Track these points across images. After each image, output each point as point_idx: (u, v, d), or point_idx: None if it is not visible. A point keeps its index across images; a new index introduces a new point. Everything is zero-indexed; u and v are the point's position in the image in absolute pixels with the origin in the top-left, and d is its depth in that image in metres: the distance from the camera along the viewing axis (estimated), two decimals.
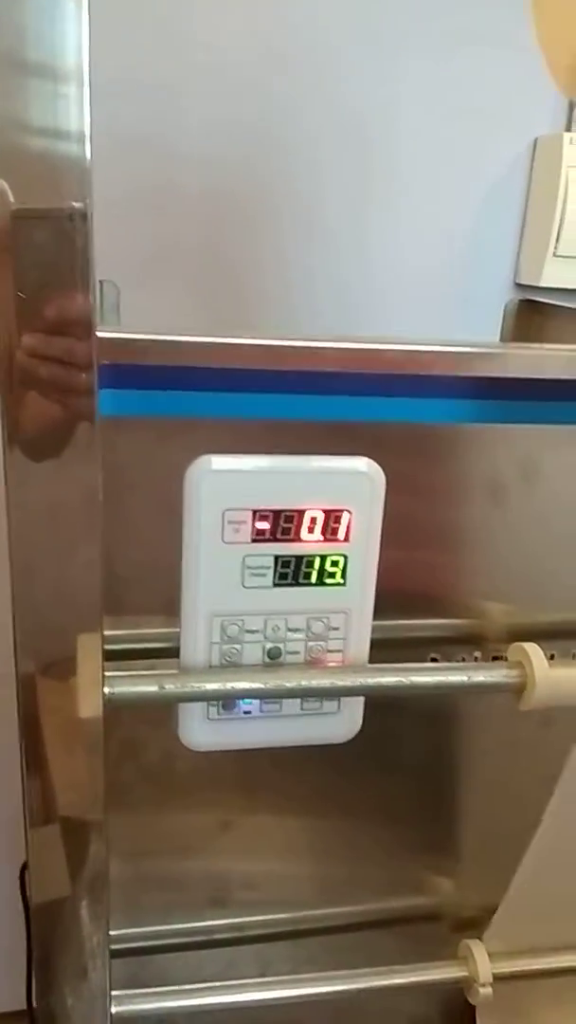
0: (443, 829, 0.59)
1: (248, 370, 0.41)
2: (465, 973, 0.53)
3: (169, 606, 0.46)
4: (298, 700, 0.47)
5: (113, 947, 0.55)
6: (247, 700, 0.46)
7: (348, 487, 0.45)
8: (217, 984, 0.51)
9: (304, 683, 0.45)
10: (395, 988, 0.52)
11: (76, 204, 0.33)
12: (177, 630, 0.45)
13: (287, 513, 0.44)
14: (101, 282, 0.71)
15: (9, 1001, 0.93)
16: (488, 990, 0.52)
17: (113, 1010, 0.48)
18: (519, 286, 0.87)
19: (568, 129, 0.84)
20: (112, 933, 0.55)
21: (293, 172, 0.79)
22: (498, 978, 0.53)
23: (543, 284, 0.83)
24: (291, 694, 0.45)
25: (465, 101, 0.81)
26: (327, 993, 0.52)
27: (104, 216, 0.69)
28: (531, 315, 0.82)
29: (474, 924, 0.59)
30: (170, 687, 0.43)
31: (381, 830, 0.58)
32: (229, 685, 0.44)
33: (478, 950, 0.53)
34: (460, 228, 0.85)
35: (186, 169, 0.76)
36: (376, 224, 0.82)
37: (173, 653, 0.46)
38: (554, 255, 0.83)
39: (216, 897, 0.56)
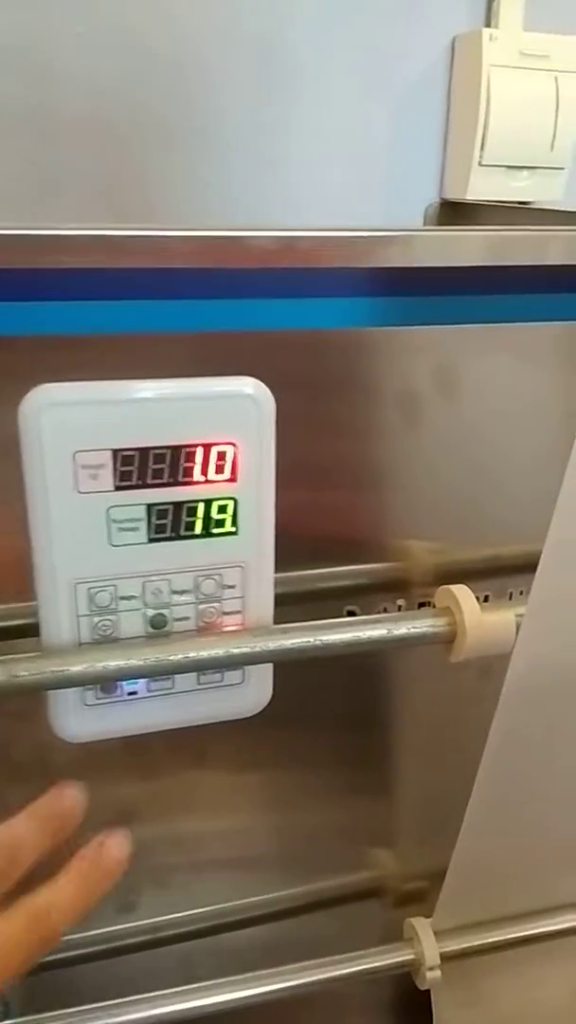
0: (377, 795, 0.53)
1: (85, 271, 0.33)
2: (411, 956, 0.48)
3: (24, 575, 0.37)
4: (193, 674, 0.40)
5: None
6: (131, 680, 0.39)
7: (231, 415, 0.37)
8: (130, 999, 0.44)
9: (193, 654, 0.37)
10: (334, 980, 0.46)
11: None
12: (35, 603, 0.37)
13: (157, 451, 0.36)
14: None
15: None
16: (436, 973, 0.47)
17: None
18: (444, 201, 0.79)
19: (487, 25, 0.75)
20: None
21: (191, 85, 0.70)
22: (446, 958, 0.47)
23: (470, 197, 0.75)
24: (178, 668, 0.38)
25: None
26: (258, 995, 0.46)
27: None
28: (454, 218, 0.74)
29: (419, 897, 0.54)
30: (24, 673, 0.35)
31: (307, 802, 0.52)
32: (100, 665, 0.36)
33: (423, 929, 0.47)
34: (377, 140, 0.77)
35: (68, 85, 0.65)
36: (288, 138, 0.73)
37: (35, 631, 0.38)
38: (479, 164, 0.75)
39: (124, 900, 0.50)
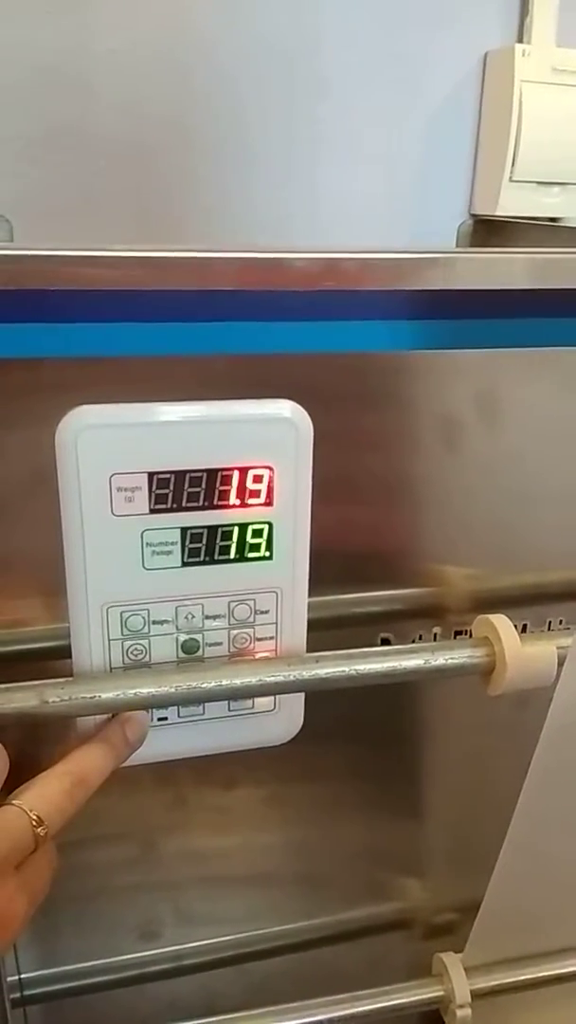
0: (407, 825, 0.52)
1: (124, 292, 0.32)
2: (441, 992, 0.46)
3: (56, 597, 0.37)
4: (224, 701, 0.39)
5: (27, 992, 0.48)
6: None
7: (268, 438, 0.36)
8: None
9: (226, 682, 0.36)
10: (360, 1016, 0.45)
11: None
12: (67, 625, 0.37)
13: (193, 474, 0.36)
14: None
15: None
16: (467, 1011, 0.45)
17: None
18: (475, 217, 0.78)
19: (520, 40, 0.75)
20: (25, 976, 0.48)
21: (220, 101, 0.69)
22: (477, 995, 0.46)
23: (499, 214, 0.74)
24: (211, 696, 0.37)
25: (406, 14, 0.71)
26: None
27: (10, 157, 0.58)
28: (488, 237, 0.73)
29: (448, 930, 0.53)
30: (55, 699, 0.34)
31: (334, 830, 0.50)
32: (131, 692, 0.35)
33: (453, 966, 0.46)
34: (408, 155, 0.76)
35: (101, 101, 0.65)
36: (318, 153, 0.73)
37: (66, 653, 0.37)
38: (510, 180, 0.75)
39: (148, 927, 0.49)
